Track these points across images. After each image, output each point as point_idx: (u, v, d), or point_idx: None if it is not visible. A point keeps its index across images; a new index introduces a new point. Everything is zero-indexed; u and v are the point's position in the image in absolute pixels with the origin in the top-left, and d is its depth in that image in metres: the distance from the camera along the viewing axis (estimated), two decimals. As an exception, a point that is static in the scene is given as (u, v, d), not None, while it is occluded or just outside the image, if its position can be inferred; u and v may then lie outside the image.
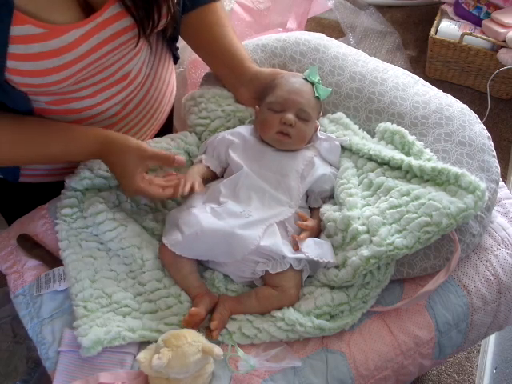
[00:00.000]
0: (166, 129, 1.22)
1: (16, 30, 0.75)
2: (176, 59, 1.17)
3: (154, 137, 1.13)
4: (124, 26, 0.86)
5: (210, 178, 1.03)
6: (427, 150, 0.98)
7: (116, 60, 0.91)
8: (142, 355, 0.81)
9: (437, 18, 2.13)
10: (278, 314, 0.88)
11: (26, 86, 0.82)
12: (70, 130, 0.93)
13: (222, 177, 1.03)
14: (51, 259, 0.97)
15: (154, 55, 1.04)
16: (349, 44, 2.13)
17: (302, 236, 0.92)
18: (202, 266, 0.97)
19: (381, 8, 2.42)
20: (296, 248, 0.91)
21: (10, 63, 0.77)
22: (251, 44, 1.18)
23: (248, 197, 0.95)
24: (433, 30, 2.08)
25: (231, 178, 0.97)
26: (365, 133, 1.07)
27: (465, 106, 1.06)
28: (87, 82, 0.89)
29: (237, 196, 0.95)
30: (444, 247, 0.93)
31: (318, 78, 1.03)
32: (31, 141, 0.90)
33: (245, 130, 1.05)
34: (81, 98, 0.92)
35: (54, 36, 0.78)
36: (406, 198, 0.90)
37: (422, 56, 2.28)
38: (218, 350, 0.81)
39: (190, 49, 1.16)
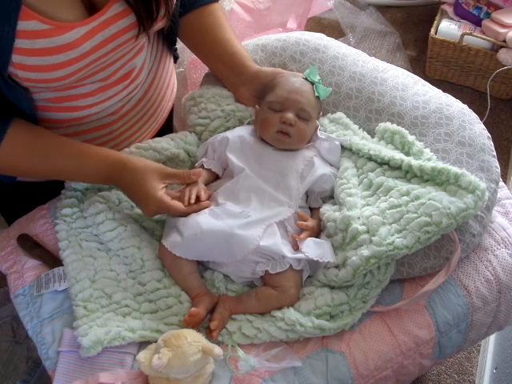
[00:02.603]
0: (166, 128, 1.22)
1: (23, 25, 0.76)
2: (176, 59, 1.17)
3: (154, 136, 1.13)
4: (127, 24, 0.87)
5: (214, 180, 1.03)
6: (427, 150, 0.98)
7: (119, 58, 0.91)
8: (142, 355, 0.81)
9: (437, 17, 2.13)
10: (278, 314, 0.88)
11: (29, 81, 0.82)
12: (83, 148, 0.93)
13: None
14: (51, 259, 0.97)
15: (155, 53, 1.04)
16: (349, 44, 2.14)
17: (301, 236, 0.92)
18: (202, 266, 0.97)
19: (381, 8, 2.42)
20: (296, 248, 0.91)
21: (15, 57, 0.78)
22: (251, 44, 1.18)
23: (247, 197, 0.94)
24: (433, 29, 2.08)
25: (232, 181, 0.97)
26: (365, 133, 1.07)
27: (465, 106, 1.06)
28: (90, 79, 0.90)
29: (236, 196, 0.94)
30: (444, 247, 0.93)
31: (319, 77, 1.03)
32: (45, 153, 0.91)
33: (244, 130, 1.05)
34: (83, 95, 0.93)
35: (58, 33, 0.79)
36: (405, 198, 0.90)
37: (422, 56, 2.28)
38: (217, 350, 0.81)
39: (189, 49, 1.16)
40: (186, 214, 0.91)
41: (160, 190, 0.91)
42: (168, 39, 1.07)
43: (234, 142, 1.01)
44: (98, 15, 0.83)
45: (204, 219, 0.90)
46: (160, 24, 0.93)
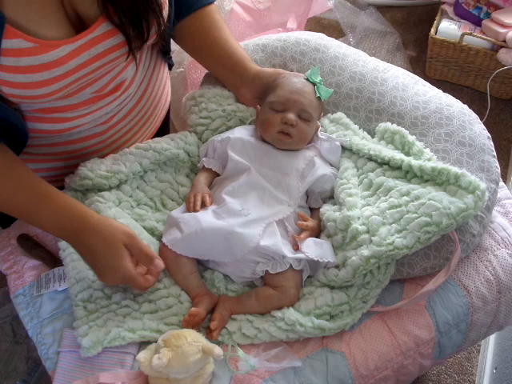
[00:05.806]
0: (161, 135, 1.20)
1: (7, 43, 0.75)
2: (170, 66, 1.16)
3: None
4: (115, 43, 0.86)
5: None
6: (427, 150, 0.98)
7: (108, 71, 0.90)
8: (142, 355, 0.81)
9: (437, 18, 2.13)
10: (278, 314, 0.88)
11: (15, 97, 0.82)
12: (47, 191, 0.85)
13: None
14: (51, 259, 0.97)
15: (149, 63, 1.03)
16: (349, 44, 2.14)
17: (302, 236, 0.92)
18: (202, 266, 0.97)
19: (381, 8, 2.42)
20: (296, 248, 0.91)
21: (0, 74, 0.77)
22: (251, 44, 1.18)
23: (248, 194, 0.95)
24: (433, 30, 2.08)
25: (234, 179, 0.97)
26: (365, 133, 1.07)
27: (465, 106, 1.06)
28: (80, 93, 0.89)
29: (236, 193, 0.95)
30: (444, 247, 0.93)
31: (320, 78, 1.03)
32: (5, 185, 0.84)
33: (245, 129, 1.05)
34: (72, 106, 0.91)
35: (43, 51, 0.78)
36: (405, 198, 0.90)
37: (422, 56, 2.28)
38: (217, 350, 0.81)
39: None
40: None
41: (128, 261, 0.83)
42: (162, 50, 1.06)
43: (235, 141, 1.01)
44: (85, 33, 0.82)
45: (204, 217, 0.90)
46: (151, 41, 0.92)
